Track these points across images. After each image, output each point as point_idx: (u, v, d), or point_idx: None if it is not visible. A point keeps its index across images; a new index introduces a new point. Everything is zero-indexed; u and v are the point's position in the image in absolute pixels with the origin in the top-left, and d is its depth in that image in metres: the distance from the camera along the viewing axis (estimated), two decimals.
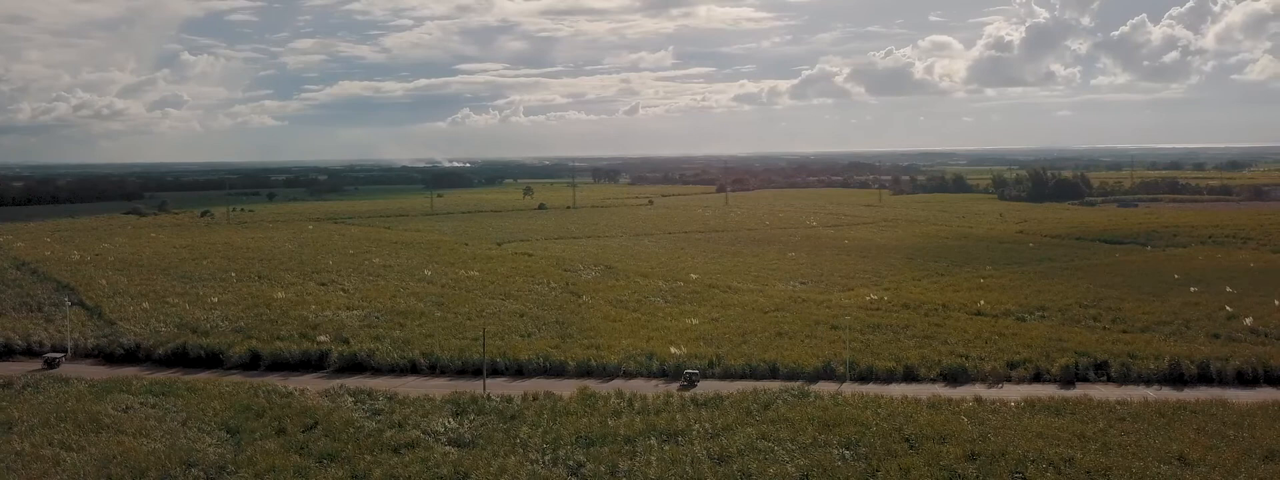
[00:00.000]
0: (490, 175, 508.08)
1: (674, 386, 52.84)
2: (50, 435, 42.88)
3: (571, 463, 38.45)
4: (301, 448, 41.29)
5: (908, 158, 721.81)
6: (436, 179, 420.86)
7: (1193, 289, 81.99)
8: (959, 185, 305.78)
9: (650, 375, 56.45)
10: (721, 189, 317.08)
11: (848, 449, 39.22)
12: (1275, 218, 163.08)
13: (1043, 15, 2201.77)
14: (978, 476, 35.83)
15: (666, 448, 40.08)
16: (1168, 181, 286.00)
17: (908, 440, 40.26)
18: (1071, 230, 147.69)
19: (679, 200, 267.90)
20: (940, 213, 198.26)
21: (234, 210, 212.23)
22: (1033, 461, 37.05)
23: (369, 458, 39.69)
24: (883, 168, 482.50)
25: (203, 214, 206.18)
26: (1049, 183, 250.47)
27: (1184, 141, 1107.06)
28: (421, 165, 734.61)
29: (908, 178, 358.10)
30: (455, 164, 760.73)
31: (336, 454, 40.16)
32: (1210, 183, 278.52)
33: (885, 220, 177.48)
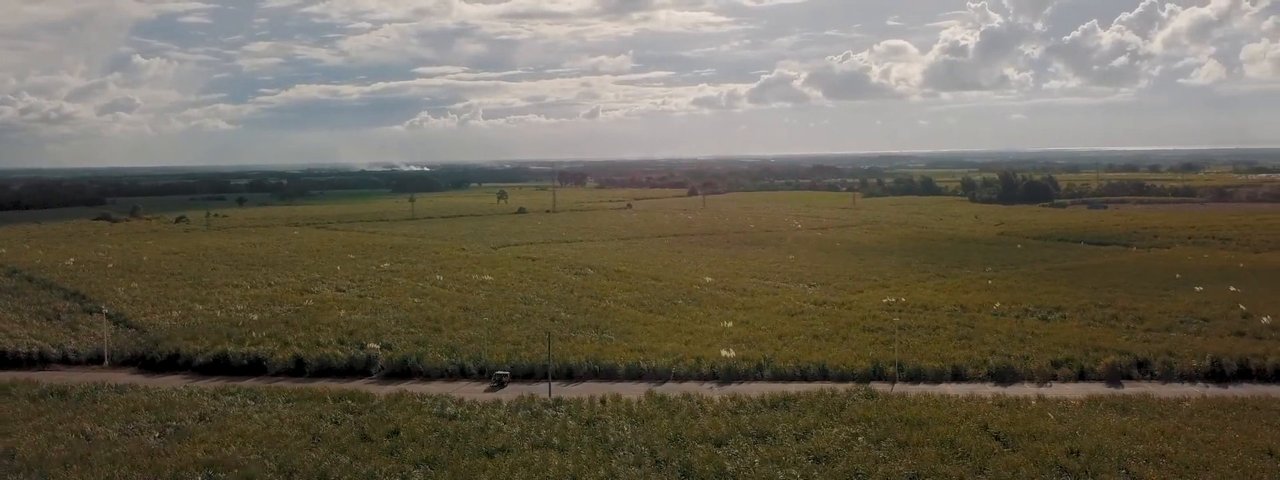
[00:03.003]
0: (452, 179, 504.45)
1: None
2: (139, 443, 42.50)
3: (677, 465, 38.86)
4: (392, 452, 41.34)
5: (867, 161, 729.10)
6: (401, 183, 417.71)
7: (1198, 289, 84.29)
8: (928, 187, 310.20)
9: (701, 378, 57.11)
10: (693, 192, 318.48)
11: (944, 447, 40.07)
12: (1245, 219, 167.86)
13: (997, 20, 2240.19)
14: (1084, 472, 36.90)
15: (762, 448, 40.71)
16: (1133, 184, 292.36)
17: (998, 438, 41.29)
18: (1052, 231, 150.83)
19: (654, 203, 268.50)
20: (916, 215, 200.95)
21: (209, 215, 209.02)
22: (1130, 457, 38.19)
23: (466, 462, 39.83)
24: (845, 170, 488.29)
25: (178, 219, 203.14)
26: (1019, 185, 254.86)
27: (1136, 144, 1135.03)
28: (379, 169, 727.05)
29: (876, 180, 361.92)
30: (414, 168, 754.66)
31: (432, 459, 40.23)
32: (1172, 184, 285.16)
33: (866, 222, 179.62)
